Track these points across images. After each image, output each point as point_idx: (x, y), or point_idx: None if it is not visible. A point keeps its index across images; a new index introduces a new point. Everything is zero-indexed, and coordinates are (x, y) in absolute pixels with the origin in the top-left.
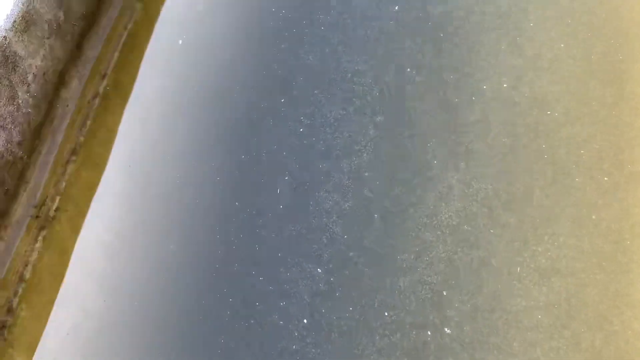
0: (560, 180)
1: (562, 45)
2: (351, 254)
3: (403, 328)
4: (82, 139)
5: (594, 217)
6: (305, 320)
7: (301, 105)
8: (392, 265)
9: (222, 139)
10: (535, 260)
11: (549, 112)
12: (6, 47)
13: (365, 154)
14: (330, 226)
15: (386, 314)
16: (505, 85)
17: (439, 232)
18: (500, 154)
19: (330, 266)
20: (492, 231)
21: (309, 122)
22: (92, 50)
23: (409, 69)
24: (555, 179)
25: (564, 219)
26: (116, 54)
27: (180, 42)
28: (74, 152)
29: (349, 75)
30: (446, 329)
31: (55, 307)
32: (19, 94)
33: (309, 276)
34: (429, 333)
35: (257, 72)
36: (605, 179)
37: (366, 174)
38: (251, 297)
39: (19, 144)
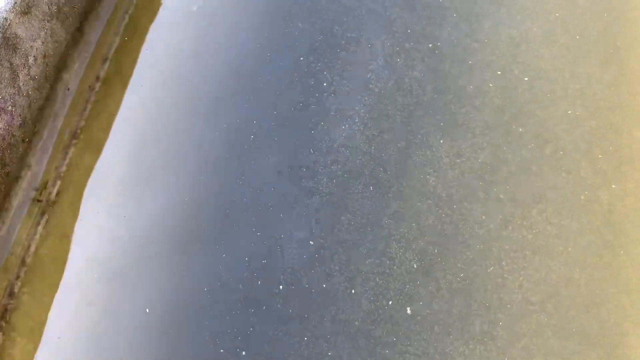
0: (555, 157)
1: (557, 15)
2: (342, 217)
3: (388, 294)
4: (83, 122)
5: (582, 197)
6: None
7: (305, 74)
8: (380, 232)
9: (225, 123)
10: (524, 237)
11: (547, 88)
12: (7, 29)
13: (357, 120)
14: (320, 189)
15: (374, 280)
16: (502, 59)
17: (429, 202)
18: (495, 127)
19: (320, 232)
20: (483, 204)
21: (307, 89)
22: (93, 34)
23: (403, 39)
24: (551, 155)
25: (554, 196)
26: (117, 38)
27: (195, 8)
28: (74, 135)
29: (343, 42)
30: (434, 302)
31: (57, 292)
32: (20, 76)
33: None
34: (420, 303)
35: (260, 51)
36: (601, 157)
37: (359, 143)
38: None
39: (20, 126)
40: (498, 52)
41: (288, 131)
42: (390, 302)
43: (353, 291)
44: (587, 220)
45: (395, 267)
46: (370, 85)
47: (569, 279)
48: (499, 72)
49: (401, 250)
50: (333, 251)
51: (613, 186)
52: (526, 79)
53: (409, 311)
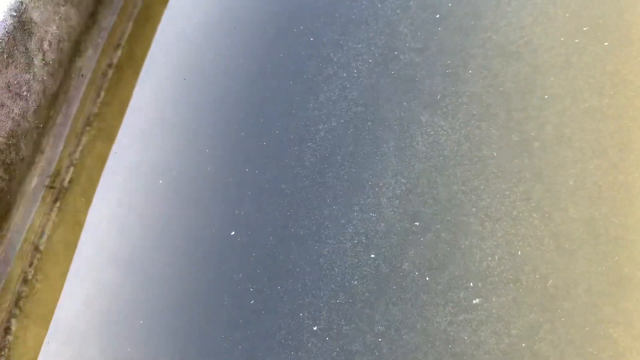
0: (558, 135)
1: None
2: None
3: (377, 251)
4: (96, 109)
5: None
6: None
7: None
8: (373, 188)
9: (237, 110)
10: (521, 214)
11: (551, 59)
12: (22, 13)
13: (361, 78)
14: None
15: (362, 236)
16: (504, 23)
17: (422, 166)
18: (501, 99)
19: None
20: (481, 177)
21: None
22: (106, 20)
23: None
24: (555, 134)
25: (558, 177)
26: (130, 24)
27: None
28: (87, 122)
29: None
30: (422, 268)
31: (69, 279)
32: (35, 61)
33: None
34: (407, 265)
35: (270, 44)
36: (610, 145)
37: (358, 108)
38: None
39: (35, 112)
40: (504, 16)
41: (290, 85)
42: (376, 260)
43: (338, 246)
44: (593, 207)
45: (384, 225)
46: (370, 49)
47: (566, 269)
48: (501, 38)
49: (394, 208)
50: (324, 209)
51: (621, 176)
52: (529, 47)
53: (395, 270)
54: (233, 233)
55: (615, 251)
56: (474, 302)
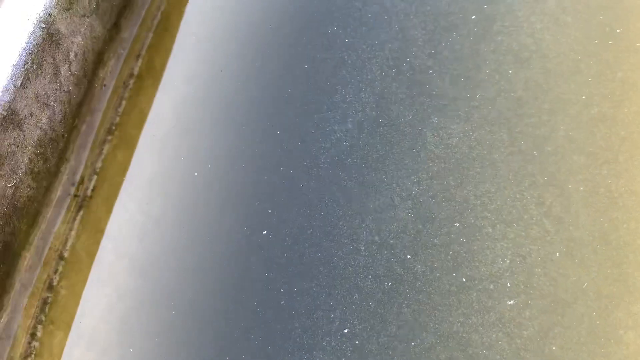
0: (568, 138)
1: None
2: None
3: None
4: (117, 119)
5: (601, 188)
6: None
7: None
8: (384, 187)
9: (254, 114)
10: (531, 217)
11: (561, 65)
12: (50, 25)
13: (375, 82)
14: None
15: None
16: (518, 29)
17: (435, 168)
18: (513, 104)
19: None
20: (494, 179)
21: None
22: (128, 31)
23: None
24: (566, 139)
25: (568, 181)
26: (150, 35)
27: None
28: (109, 132)
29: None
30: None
31: (91, 287)
32: (62, 72)
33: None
34: (419, 266)
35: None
36: (621, 151)
37: (372, 112)
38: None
39: (61, 122)
40: (515, 22)
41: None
42: (390, 261)
43: (352, 246)
44: (604, 212)
45: (397, 226)
46: (385, 57)
47: (577, 273)
48: (513, 44)
49: (407, 210)
50: (338, 210)
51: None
52: (540, 53)
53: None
54: (265, 232)
55: (625, 256)
56: (509, 303)
